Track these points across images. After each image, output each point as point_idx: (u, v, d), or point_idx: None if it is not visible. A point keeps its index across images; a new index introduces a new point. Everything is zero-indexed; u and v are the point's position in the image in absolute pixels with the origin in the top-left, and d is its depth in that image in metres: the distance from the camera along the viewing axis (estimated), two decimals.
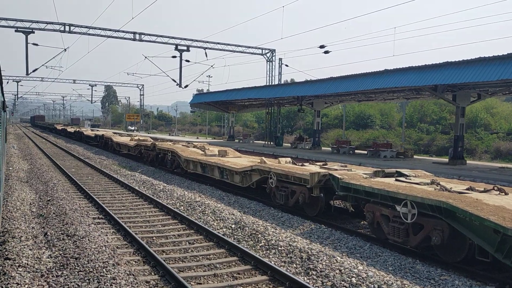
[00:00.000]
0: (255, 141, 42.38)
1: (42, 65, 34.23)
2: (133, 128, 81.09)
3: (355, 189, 9.65)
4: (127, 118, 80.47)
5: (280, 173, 12.35)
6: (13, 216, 10.59)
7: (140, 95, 76.83)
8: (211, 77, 74.76)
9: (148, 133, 67.52)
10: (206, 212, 11.53)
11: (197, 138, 51.71)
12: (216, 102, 41.07)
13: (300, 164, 13.57)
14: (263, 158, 15.09)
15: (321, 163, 13.73)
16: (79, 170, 21.23)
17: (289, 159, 14.60)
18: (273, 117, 35.40)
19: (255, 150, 29.19)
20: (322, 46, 26.19)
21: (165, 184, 16.33)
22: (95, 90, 73.71)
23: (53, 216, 10.46)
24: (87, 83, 71.47)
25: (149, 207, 12.65)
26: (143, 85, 77.14)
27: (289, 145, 35.42)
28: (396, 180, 10.00)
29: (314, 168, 12.53)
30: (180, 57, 31.63)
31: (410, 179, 10.09)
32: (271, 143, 34.69)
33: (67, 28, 31.03)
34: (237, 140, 42.32)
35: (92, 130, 48.53)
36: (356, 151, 28.57)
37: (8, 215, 10.50)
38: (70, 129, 56.43)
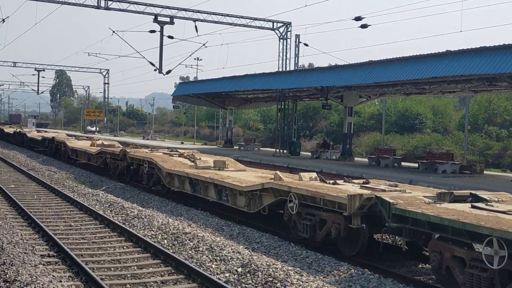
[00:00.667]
0: (261, 148, 42.17)
1: None
2: (93, 128, 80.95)
3: (414, 219, 9.25)
4: (86, 115, 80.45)
5: (304, 195, 12.00)
6: None
7: (104, 83, 76.61)
8: (201, 59, 74.13)
9: (115, 136, 67.46)
10: (200, 249, 11.16)
11: (182, 143, 51.75)
12: (209, 95, 40.88)
13: (330, 182, 13.20)
14: (278, 172, 14.76)
15: (360, 181, 13.35)
16: (21, 186, 21.02)
17: (314, 175, 14.28)
18: (287, 115, 35.08)
19: (262, 161, 29.01)
20: (358, 18, 25.83)
21: (140, 208, 16.08)
22: (43, 77, 73.21)
23: None
24: (32, 67, 71.46)
25: (119, 241, 12.29)
26: (108, 70, 77.14)
27: (309, 154, 35.20)
28: (473, 207, 9.59)
29: (352, 188, 12.15)
30: (161, 32, 31.32)
31: (492, 205, 9.68)
32: (284, 151, 34.41)
33: None
34: (237, 147, 42.24)
35: (38, 131, 48.44)
36: (402, 163, 28.22)
37: None
38: (8, 130, 56.29)
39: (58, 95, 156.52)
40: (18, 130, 51.08)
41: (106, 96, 77.83)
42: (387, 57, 23.89)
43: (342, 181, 13.48)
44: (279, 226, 14.10)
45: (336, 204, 11.17)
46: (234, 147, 43.23)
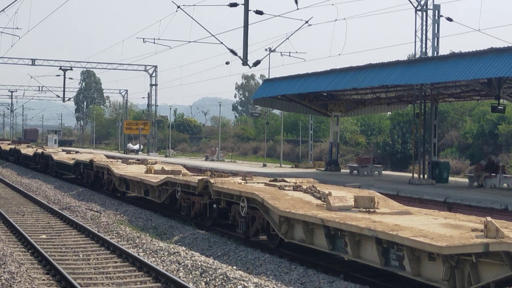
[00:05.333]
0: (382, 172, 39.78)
1: None
2: (136, 146, 79.69)
3: None
4: (126, 129, 79.13)
5: None
6: None
7: (151, 85, 74.64)
8: (273, 50, 69.08)
9: (166, 156, 66.14)
10: None
11: (265, 165, 49.90)
12: (305, 96, 38.92)
13: None
14: (491, 220, 11.60)
15: None
16: (56, 236, 19.41)
17: None
18: (426, 122, 31.93)
19: (400, 192, 26.56)
20: None
21: (255, 280, 13.32)
22: (70, 78, 71.65)
23: None
24: (56, 66, 70.53)
25: None
26: (155, 67, 75.06)
27: (457, 179, 31.83)
28: None
29: None
30: (246, 4, 28.51)
31: None
32: (424, 176, 31.09)
33: None
34: (348, 170, 40.74)
35: (67, 153, 47.18)
36: None
37: None
38: (26, 150, 55.81)
39: (85, 103, 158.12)
40: (40, 151, 50.21)
41: (153, 102, 75.93)
42: None
43: None
44: None
45: None
46: (342, 170, 41.79)
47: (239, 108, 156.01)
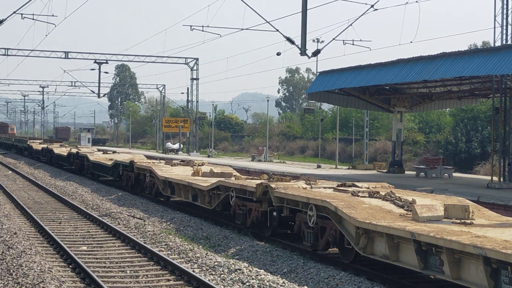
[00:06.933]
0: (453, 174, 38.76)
1: (14, 12, 32.15)
2: (176, 146, 79.24)
3: None
4: (164, 127, 78.87)
5: None
6: None
7: (192, 79, 74.41)
8: (322, 41, 67.32)
9: (208, 156, 65.81)
10: None
11: (319, 166, 49.72)
12: (365, 90, 38.63)
13: None
14: None
15: None
16: (97, 248, 18.69)
17: None
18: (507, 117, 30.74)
19: (481, 198, 25.25)
20: None
21: None
22: (106, 72, 71.35)
23: None
24: (90, 59, 70.58)
25: None
26: (197, 59, 74.99)
27: None
28: None
29: None
30: None
31: None
32: (504, 180, 29.83)
33: None
34: (414, 172, 40.16)
35: (104, 153, 46.80)
36: None
37: None
38: (60, 150, 55.86)
39: (119, 99, 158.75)
40: (74, 151, 49.96)
41: (194, 98, 75.56)
42: None
43: None
44: None
45: None
46: (406, 172, 41.37)
47: (283, 104, 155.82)
